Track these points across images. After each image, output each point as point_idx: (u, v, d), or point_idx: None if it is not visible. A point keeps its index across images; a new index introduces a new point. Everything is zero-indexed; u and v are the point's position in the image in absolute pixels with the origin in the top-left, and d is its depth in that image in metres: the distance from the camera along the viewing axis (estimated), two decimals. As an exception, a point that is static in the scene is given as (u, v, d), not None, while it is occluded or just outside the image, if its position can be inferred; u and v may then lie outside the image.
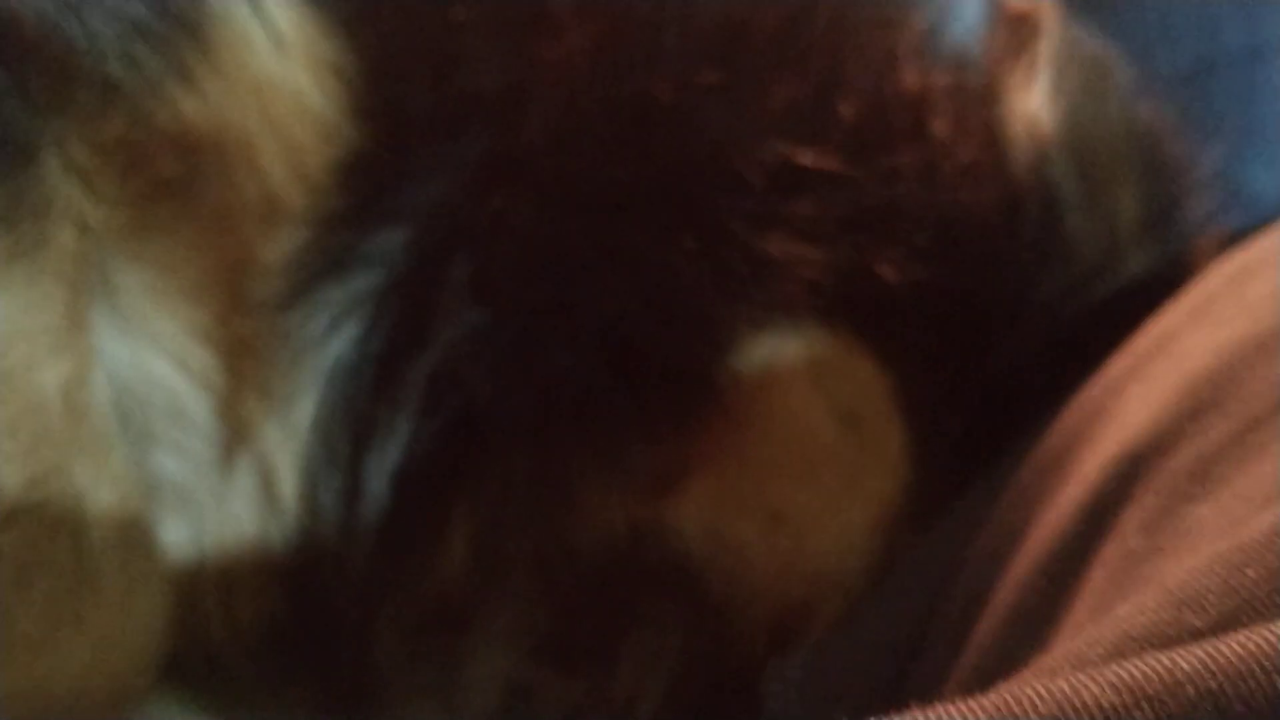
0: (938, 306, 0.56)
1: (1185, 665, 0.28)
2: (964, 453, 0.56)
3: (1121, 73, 0.62)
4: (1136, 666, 0.28)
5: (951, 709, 0.30)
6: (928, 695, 0.32)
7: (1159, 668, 0.28)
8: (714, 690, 0.54)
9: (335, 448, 0.53)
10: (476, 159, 0.53)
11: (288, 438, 0.53)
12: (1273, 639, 0.28)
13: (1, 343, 0.46)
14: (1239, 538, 0.34)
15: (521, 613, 0.54)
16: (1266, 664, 0.28)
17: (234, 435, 0.53)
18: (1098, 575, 0.41)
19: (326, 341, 0.53)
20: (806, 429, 0.56)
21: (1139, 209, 0.60)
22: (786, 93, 0.56)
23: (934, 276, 0.56)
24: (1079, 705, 0.28)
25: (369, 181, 0.52)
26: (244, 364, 0.52)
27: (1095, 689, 0.28)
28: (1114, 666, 0.29)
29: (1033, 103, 0.59)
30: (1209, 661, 0.28)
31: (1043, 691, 0.29)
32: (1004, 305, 0.58)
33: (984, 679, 0.32)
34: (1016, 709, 0.29)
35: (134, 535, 0.49)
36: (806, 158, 0.55)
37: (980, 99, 0.59)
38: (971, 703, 0.29)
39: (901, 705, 0.31)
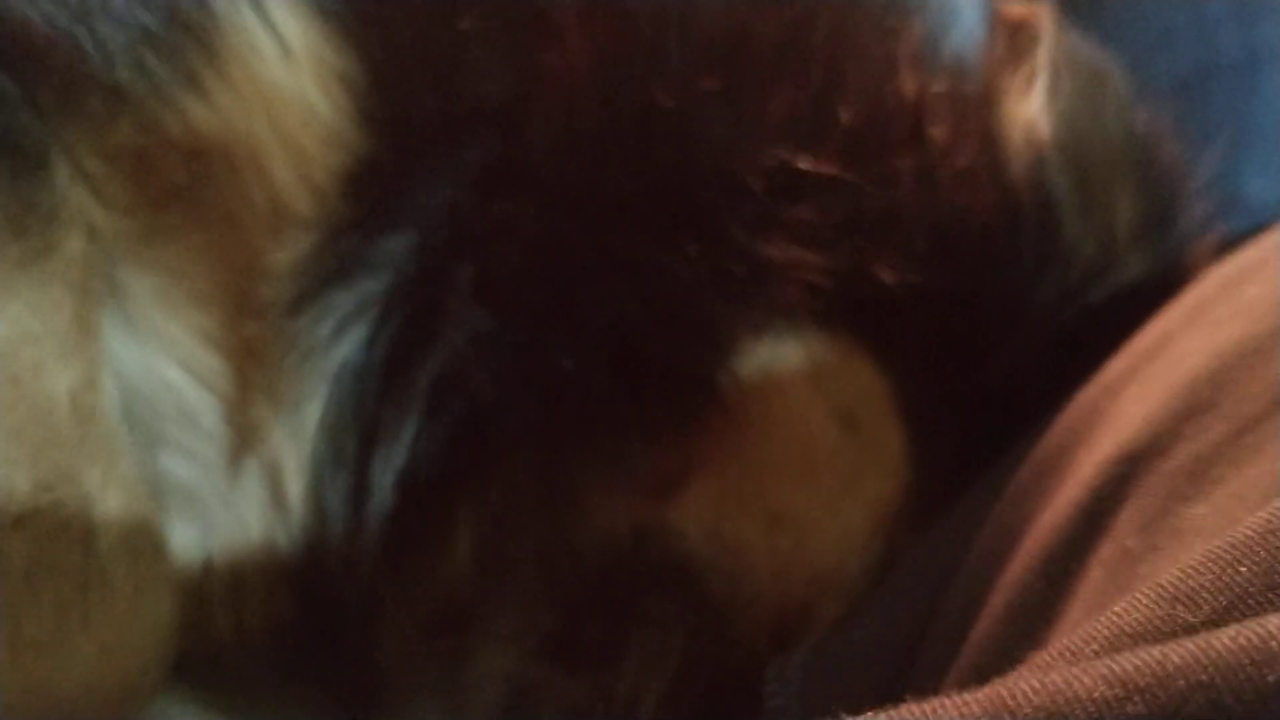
0: (936, 310, 0.57)
1: (1177, 658, 0.28)
2: (963, 454, 0.56)
3: (1119, 78, 0.62)
4: (1128, 660, 0.29)
5: (946, 703, 0.30)
6: (926, 694, 0.32)
7: (1150, 661, 0.28)
8: (715, 690, 0.54)
9: (342, 450, 0.54)
10: (481, 165, 0.54)
11: (295, 441, 0.53)
12: (1264, 633, 0.28)
13: (11, 347, 0.47)
14: (1232, 535, 0.34)
15: (525, 612, 0.54)
16: (1257, 657, 0.28)
17: (242, 439, 0.53)
18: (1095, 575, 0.41)
19: (333, 345, 0.53)
20: (807, 431, 0.56)
21: (1136, 213, 0.60)
22: (786, 99, 0.56)
23: (933, 280, 0.56)
24: (1072, 698, 0.28)
25: (375, 188, 0.53)
26: (251, 368, 0.52)
27: (1088, 682, 0.29)
28: (1106, 660, 0.29)
29: (1030, 108, 0.59)
30: (1200, 655, 0.28)
31: (1036, 685, 0.29)
32: (1002, 308, 0.58)
33: (982, 678, 0.32)
34: (1010, 703, 0.29)
35: (142, 538, 0.50)
36: (806, 163, 0.55)
37: (978, 105, 0.59)
38: (966, 696, 0.30)
39: (900, 703, 0.31)
